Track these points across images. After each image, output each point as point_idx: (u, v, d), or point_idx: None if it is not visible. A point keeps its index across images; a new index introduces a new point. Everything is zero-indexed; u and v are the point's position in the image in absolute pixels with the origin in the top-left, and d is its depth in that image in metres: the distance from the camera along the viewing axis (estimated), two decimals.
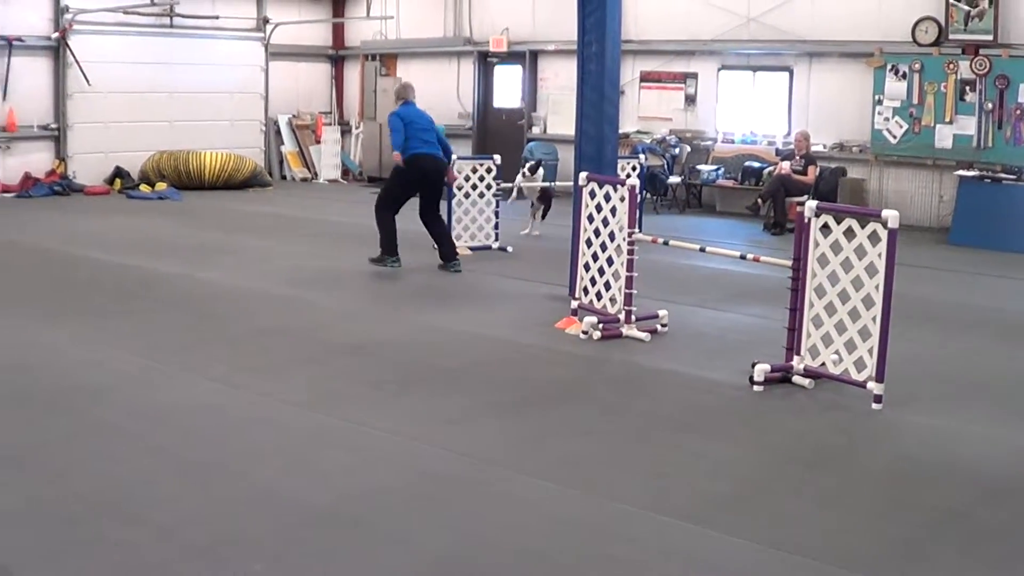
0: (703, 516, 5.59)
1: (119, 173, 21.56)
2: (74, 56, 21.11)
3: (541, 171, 14.20)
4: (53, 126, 21.23)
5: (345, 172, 24.80)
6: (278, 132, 24.57)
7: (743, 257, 9.55)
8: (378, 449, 6.63)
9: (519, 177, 14.17)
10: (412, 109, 12.76)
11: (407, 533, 5.35)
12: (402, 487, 5.99)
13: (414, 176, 12.54)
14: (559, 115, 21.42)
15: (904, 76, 17.04)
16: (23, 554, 5.03)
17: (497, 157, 14.33)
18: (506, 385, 8.07)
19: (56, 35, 21.09)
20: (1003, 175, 15.94)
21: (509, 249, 14.04)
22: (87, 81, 21.07)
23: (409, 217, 12.70)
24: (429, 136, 12.65)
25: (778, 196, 16.76)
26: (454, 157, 13.39)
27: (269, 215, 17.91)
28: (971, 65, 16.36)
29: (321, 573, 4.90)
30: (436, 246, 12.89)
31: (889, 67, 17.18)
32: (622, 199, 9.59)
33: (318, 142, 24.76)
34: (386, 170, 23.80)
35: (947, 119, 16.71)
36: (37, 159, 21.13)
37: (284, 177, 24.56)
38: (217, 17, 23.45)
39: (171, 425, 7.01)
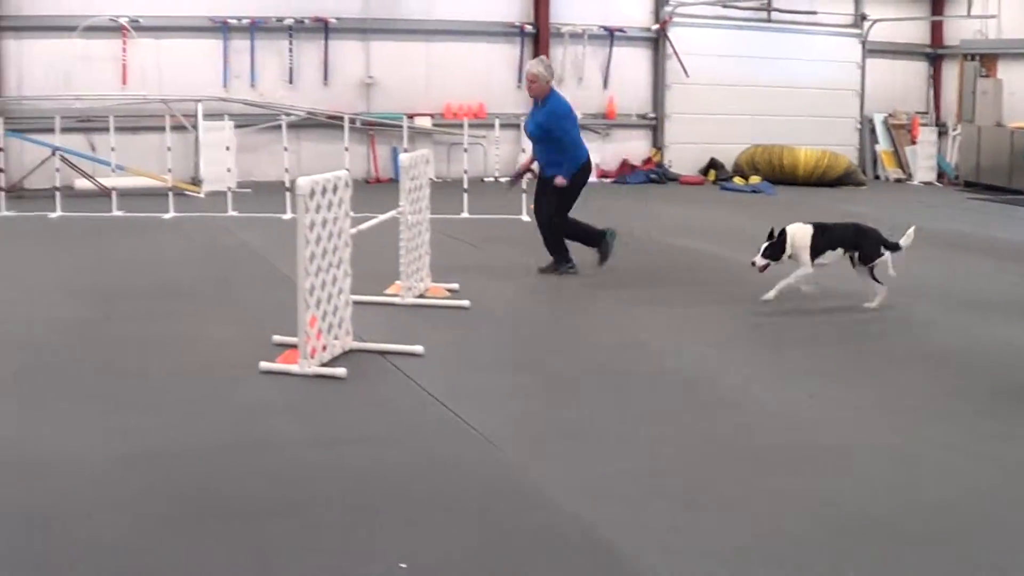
0: None
1: (713, 164, 21.70)
2: (673, 48, 21.51)
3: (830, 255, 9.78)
4: (651, 116, 21.74)
5: (940, 175, 23.66)
6: (872, 131, 23.91)
7: None
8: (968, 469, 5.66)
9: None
10: None
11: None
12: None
13: (584, 177, 11.10)
14: None
15: None
16: (628, 532, 4.81)
17: None
18: None
19: (656, 27, 21.58)
20: None
21: None
22: (685, 73, 21.42)
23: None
24: None
25: None
26: None
27: (862, 216, 17.13)
28: None
29: None
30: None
31: None
32: None
33: (913, 142, 23.78)
34: (985, 175, 22.51)
35: None
36: (634, 147, 21.74)
37: (877, 177, 23.83)
38: (815, 12, 23.15)
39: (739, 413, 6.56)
